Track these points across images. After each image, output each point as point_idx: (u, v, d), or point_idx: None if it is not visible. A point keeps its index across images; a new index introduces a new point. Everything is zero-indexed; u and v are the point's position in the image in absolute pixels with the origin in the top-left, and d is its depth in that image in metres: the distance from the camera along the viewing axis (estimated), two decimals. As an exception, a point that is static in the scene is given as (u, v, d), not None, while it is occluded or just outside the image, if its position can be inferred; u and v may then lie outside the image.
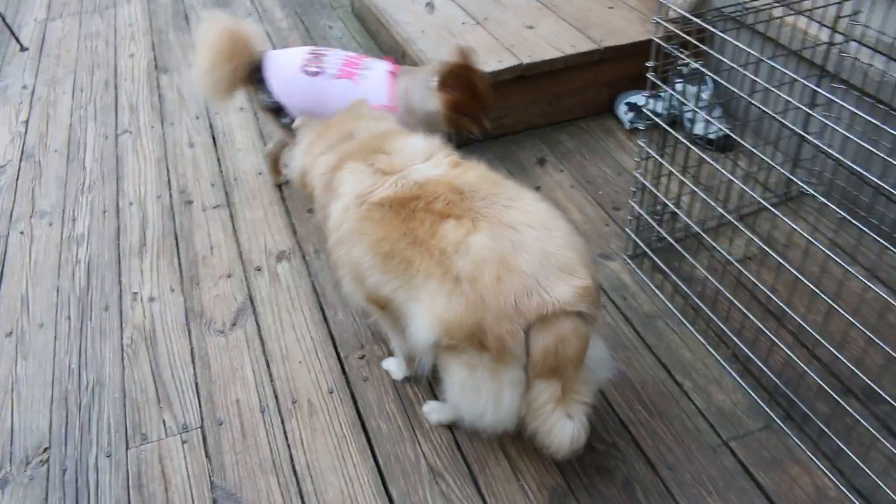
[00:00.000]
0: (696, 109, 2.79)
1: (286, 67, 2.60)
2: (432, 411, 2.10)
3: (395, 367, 2.20)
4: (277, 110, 2.67)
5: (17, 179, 3.33)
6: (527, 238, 1.48)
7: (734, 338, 2.22)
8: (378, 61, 2.59)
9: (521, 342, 1.45)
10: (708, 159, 2.25)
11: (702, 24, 2.08)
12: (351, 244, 1.69)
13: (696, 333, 2.33)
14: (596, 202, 2.92)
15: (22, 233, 3.00)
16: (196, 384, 2.29)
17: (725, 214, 2.36)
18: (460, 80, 2.37)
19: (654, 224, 2.48)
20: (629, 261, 2.63)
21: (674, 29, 2.12)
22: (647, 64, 2.18)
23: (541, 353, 1.46)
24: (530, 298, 1.43)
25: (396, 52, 3.57)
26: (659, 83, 2.20)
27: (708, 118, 2.60)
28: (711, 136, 2.94)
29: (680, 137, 2.28)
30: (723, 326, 2.27)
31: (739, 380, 2.17)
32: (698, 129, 3.13)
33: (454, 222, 1.51)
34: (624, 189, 2.94)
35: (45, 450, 2.14)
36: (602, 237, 2.74)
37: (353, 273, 1.75)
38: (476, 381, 1.54)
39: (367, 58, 2.61)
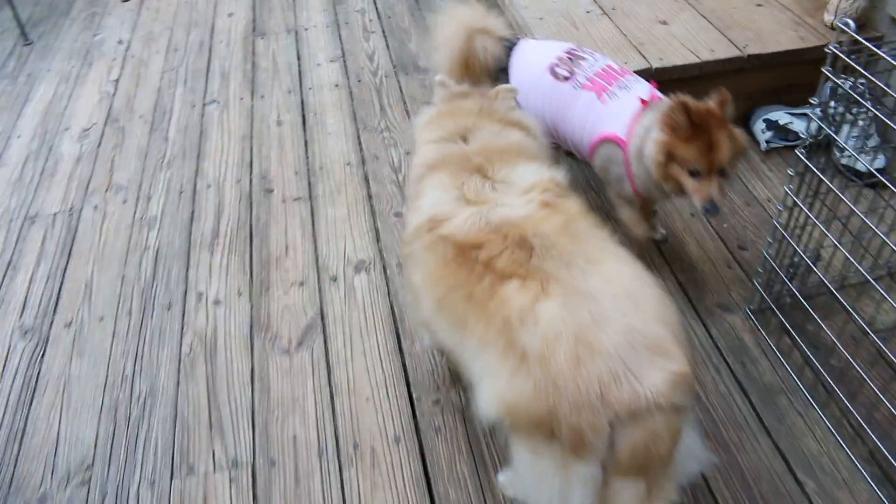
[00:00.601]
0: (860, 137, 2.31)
1: (534, 63, 2.25)
2: (508, 484, 1.81)
3: (509, 482, 1.81)
4: None
5: (98, 146, 3.19)
6: (608, 309, 1.22)
7: (872, 434, 1.82)
8: (640, 82, 2.11)
9: (604, 437, 1.19)
10: (858, 211, 1.80)
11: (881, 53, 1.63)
12: (414, 266, 1.55)
13: (825, 420, 1.94)
14: (719, 237, 2.51)
15: (96, 208, 2.85)
16: (252, 411, 2.08)
17: (868, 277, 1.92)
18: (694, 123, 1.82)
19: (786, 279, 2.08)
20: (752, 316, 2.24)
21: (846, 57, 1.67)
22: (826, 75, 1.79)
23: (629, 451, 1.21)
24: (619, 387, 1.16)
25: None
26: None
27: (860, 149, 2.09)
28: (861, 169, 2.45)
29: (833, 186, 1.84)
30: (860, 419, 1.87)
31: (876, 488, 1.78)
32: (847, 159, 2.66)
33: (518, 283, 1.28)
34: (753, 224, 2.53)
35: (88, 468, 1.99)
36: (722, 282, 2.35)
37: (412, 290, 1.63)
38: (541, 470, 1.30)
39: (630, 74, 2.16)
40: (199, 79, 3.55)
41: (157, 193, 2.89)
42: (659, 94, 2.07)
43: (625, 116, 2.03)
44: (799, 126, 2.83)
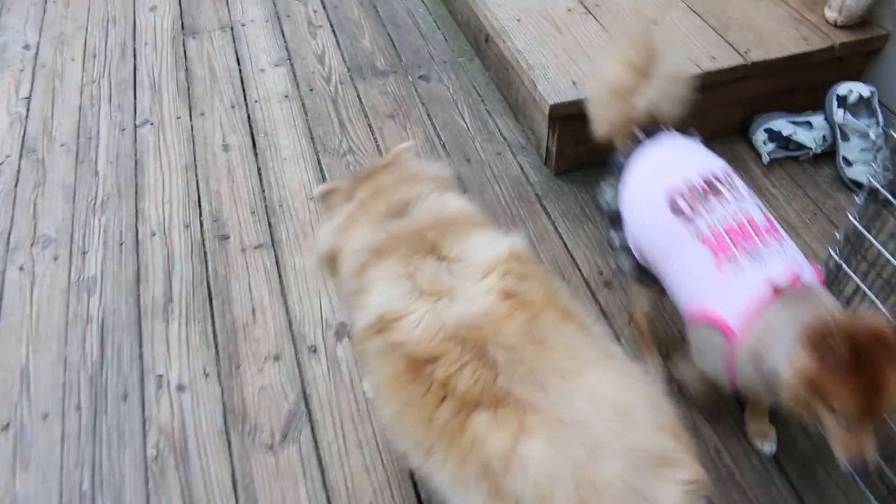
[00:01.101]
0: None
1: (653, 181, 1.72)
2: None
3: None
4: (615, 218, 1.86)
5: (15, 186, 2.75)
6: (601, 434, 1.06)
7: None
8: (782, 252, 1.54)
9: None
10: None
11: None
12: (366, 369, 1.44)
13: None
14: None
15: (21, 269, 2.45)
16: (239, 530, 1.80)
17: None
18: (855, 356, 1.29)
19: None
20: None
21: None
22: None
23: None
24: None
25: (491, 58, 2.87)
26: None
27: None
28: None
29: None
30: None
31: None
32: (855, 172, 2.49)
33: (488, 416, 1.11)
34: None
35: None
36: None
37: (370, 389, 1.43)
38: None
39: (774, 234, 1.56)
40: (125, 93, 3.10)
41: (92, 246, 2.50)
42: (797, 283, 1.48)
43: (743, 300, 1.49)
44: (803, 136, 2.63)
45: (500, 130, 2.86)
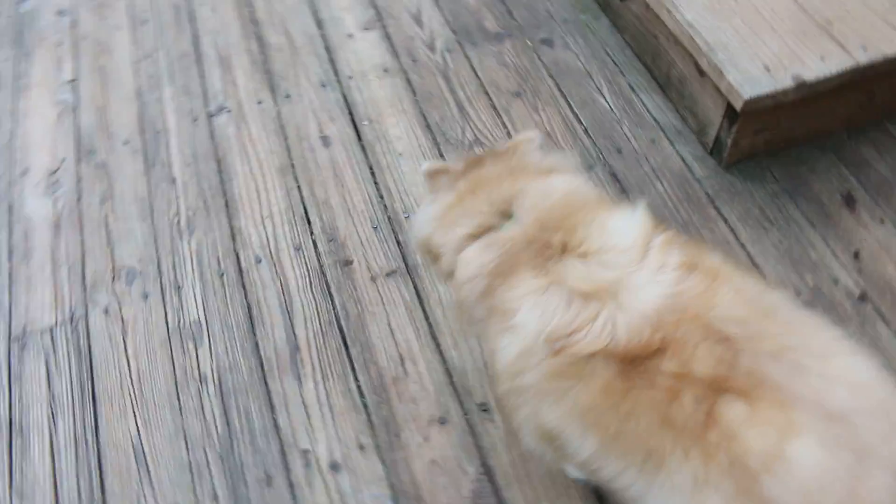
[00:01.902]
0: None
1: None
2: None
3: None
4: None
5: (78, 200, 2.28)
6: (868, 434, 0.95)
7: None
8: None
9: None
10: None
11: None
12: (540, 403, 1.19)
13: None
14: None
15: (107, 312, 2.03)
16: None
17: None
18: None
19: None
20: None
21: None
22: None
23: None
24: None
25: (628, 19, 2.35)
26: None
27: None
28: None
29: None
30: None
31: None
32: None
33: (745, 409, 0.98)
34: None
35: None
36: None
37: (539, 433, 1.26)
38: None
39: None
40: (189, 70, 2.59)
41: (187, 279, 2.07)
42: None
43: None
44: None
45: (648, 111, 2.40)
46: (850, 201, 2.18)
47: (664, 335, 1.07)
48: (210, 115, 2.46)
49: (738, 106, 2.00)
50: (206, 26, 2.73)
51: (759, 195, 2.19)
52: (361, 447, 1.78)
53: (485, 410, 1.81)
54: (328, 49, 2.63)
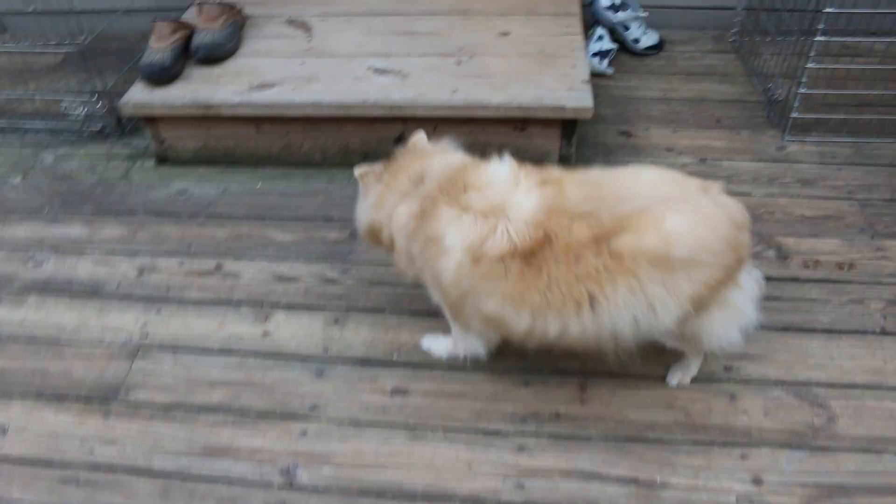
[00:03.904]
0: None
1: None
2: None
3: (440, 346, 1.96)
4: None
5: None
6: (680, 192, 1.51)
7: None
8: None
9: (750, 244, 1.57)
10: None
11: None
12: (477, 297, 1.59)
13: None
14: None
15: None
16: None
17: None
18: None
19: None
20: None
21: None
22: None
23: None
24: (735, 218, 1.51)
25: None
26: None
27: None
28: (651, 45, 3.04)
29: None
30: None
31: None
32: (644, 43, 3.06)
33: (631, 236, 1.44)
34: None
35: None
36: None
37: (484, 322, 1.66)
38: (730, 305, 1.59)
39: None
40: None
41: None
42: None
43: None
44: (606, 44, 2.95)
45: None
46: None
47: (545, 229, 1.49)
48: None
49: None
50: None
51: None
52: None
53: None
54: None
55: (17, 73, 3.03)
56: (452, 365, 1.94)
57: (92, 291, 2.21)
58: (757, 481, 1.66)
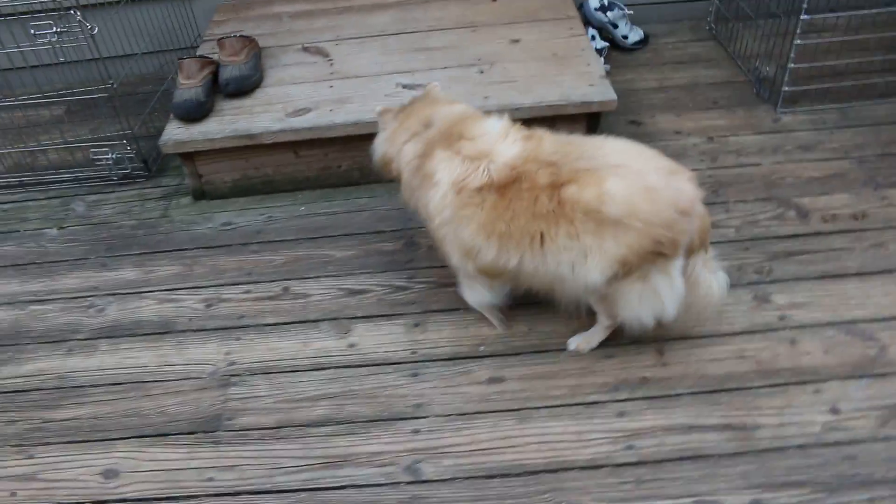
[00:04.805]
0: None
1: None
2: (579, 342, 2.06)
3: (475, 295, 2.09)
4: None
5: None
6: (639, 164, 1.70)
7: None
8: None
9: (689, 234, 1.71)
10: None
11: None
12: (457, 226, 1.84)
13: None
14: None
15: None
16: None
17: None
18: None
19: None
20: None
21: None
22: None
23: (700, 233, 1.75)
24: (680, 200, 1.67)
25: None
26: None
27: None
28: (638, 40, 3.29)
29: None
30: None
31: None
32: (632, 39, 3.29)
33: (575, 187, 1.67)
34: None
35: None
36: None
37: (461, 251, 1.88)
38: (652, 286, 1.76)
39: None
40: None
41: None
42: None
43: None
44: (599, 43, 3.16)
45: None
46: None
47: (519, 171, 1.74)
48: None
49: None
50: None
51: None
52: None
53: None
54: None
55: (28, 126, 3.00)
56: (539, 348, 2.07)
57: (164, 329, 2.24)
58: (834, 410, 1.84)
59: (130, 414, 2.02)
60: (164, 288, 2.38)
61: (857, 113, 2.83)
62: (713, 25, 3.35)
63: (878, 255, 2.25)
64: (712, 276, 1.87)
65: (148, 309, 2.31)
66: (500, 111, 1.95)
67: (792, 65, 2.69)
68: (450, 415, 1.93)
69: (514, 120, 1.90)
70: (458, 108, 1.99)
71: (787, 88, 2.76)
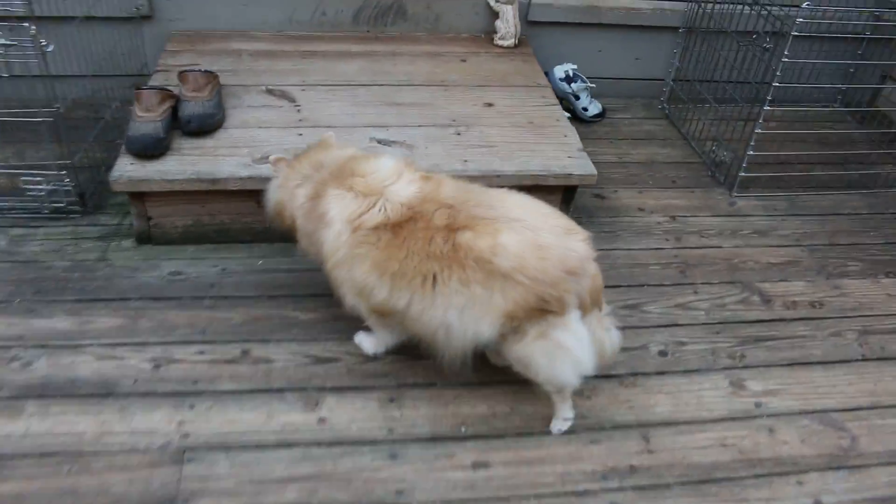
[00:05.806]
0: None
1: None
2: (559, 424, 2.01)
3: (368, 342, 2.15)
4: None
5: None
6: (534, 221, 1.72)
7: None
8: None
9: (577, 293, 1.71)
10: None
11: None
12: (351, 266, 1.82)
13: None
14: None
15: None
16: None
17: None
18: None
19: None
20: None
21: None
22: None
23: (591, 292, 1.76)
24: (569, 260, 1.69)
25: None
26: None
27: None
28: (597, 113, 3.35)
29: None
30: None
31: None
32: (591, 111, 3.35)
33: (471, 234, 1.68)
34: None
35: None
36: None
37: (355, 290, 1.87)
38: (556, 342, 1.75)
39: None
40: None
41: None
42: None
43: None
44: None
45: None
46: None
47: (414, 211, 1.74)
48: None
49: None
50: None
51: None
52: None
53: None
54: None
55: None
56: (523, 430, 1.98)
57: (104, 391, 1.98)
58: (818, 503, 1.87)
59: (65, 494, 1.75)
60: (104, 342, 2.11)
61: (803, 203, 2.98)
62: (666, 105, 3.46)
63: (839, 343, 2.33)
64: (605, 334, 1.87)
65: (85, 366, 2.04)
66: (482, 177, 2.01)
67: (751, 151, 2.79)
68: (435, 502, 1.80)
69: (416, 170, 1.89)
70: (349, 150, 2.00)
71: (742, 174, 2.86)
